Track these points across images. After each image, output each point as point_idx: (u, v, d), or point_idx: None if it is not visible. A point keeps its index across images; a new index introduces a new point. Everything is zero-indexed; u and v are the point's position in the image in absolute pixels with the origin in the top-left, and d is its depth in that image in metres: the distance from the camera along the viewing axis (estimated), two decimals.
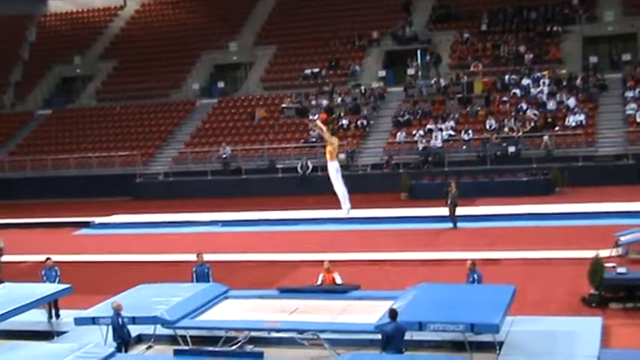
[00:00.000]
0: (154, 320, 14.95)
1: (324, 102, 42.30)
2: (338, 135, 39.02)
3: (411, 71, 43.17)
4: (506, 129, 37.21)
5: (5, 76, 54.27)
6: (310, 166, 37.77)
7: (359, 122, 40.54)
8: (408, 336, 13.02)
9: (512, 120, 37.52)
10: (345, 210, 17.73)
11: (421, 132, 38.24)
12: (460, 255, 21.40)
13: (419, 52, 43.66)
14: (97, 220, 33.44)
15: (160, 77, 49.38)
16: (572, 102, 37.85)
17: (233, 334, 15.00)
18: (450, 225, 26.84)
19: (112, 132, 45.95)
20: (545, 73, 40.02)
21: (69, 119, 48.75)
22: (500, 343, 13.87)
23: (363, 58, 46.21)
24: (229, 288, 17.09)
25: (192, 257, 18.59)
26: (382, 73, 44.64)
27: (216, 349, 14.42)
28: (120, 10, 58.13)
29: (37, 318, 17.32)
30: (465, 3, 47.21)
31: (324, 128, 18.84)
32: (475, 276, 15.94)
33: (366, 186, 35.95)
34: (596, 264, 17.00)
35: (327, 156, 17.23)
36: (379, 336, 12.89)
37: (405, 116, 39.95)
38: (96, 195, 40.38)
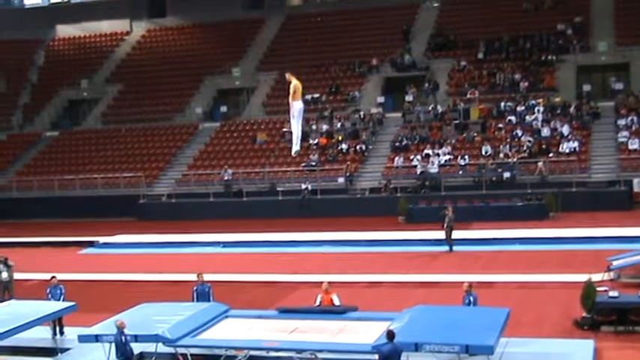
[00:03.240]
0: (155, 338, 14.92)
1: (324, 127, 42.45)
2: (337, 159, 39.53)
3: (409, 97, 43.34)
4: (501, 155, 37.32)
5: (14, 99, 54.49)
6: (310, 188, 37.87)
7: (358, 147, 40.65)
8: (404, 357, 13.00)
9: (508, 146, 37.65)
10: (294, 150, 17.63)
11: (419, 157, 38.34)
12: (456, 278, 21.40)
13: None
14: (102, 239, 33.46)
15: (164, 101, 49.64)
16: (566, 129, 37.98)
17: (233, 352, 14.96)
18: (447, 248, 26.84)
19: (117, 154, 46.07)
20: (540, 100, 40.18)
21: (75, 141, 48.90)
22: None
23: (363, 85, 46.40)
24: (229, 307, 17.08)
25: (194, 277, 18.59)
26: (381, 99, 44.80)
27: None
28: (126, 36, 58.45)
29: (41, 335, 17.31)
30: (463, 32, 47.46)
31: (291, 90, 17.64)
32: (471, 298, 15.94)
33: (365, 209, 36.12)
34: (589, 288, 17.02)
35: (290, 98, 16.99)
36: (376, 356, 12.88)
37: (403, 141, 40.07)
38: (100, 215, 40.36)
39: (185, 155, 44.94)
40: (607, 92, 41.89)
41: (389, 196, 36.57)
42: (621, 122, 37.94)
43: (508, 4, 48.57)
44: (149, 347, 15.63)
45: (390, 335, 12.70)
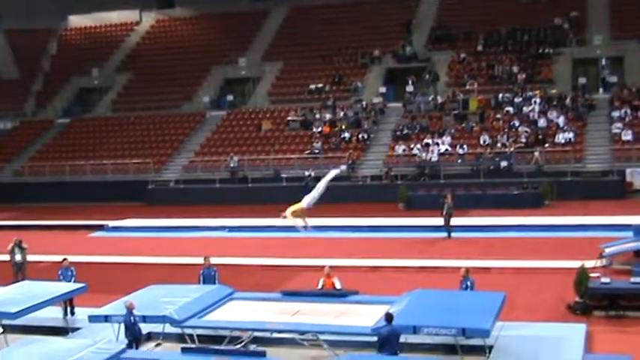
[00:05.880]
0: (163, 319, 15.00)
1: (328, 116, 42.44)
2: (340, 147, 39.51)
3: (410, 88, 43.28)
4: (499, 144, 37.27)
5: (28, 86, 54.50)
6: (313, 175, 37.83)
7: (360, 135, 40.62)
8: (402, 339, 13.05)
9: (505, 136, 37.60)
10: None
11: (419, 146, 38.32)
12: (454, 263, 21.43)
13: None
14: (111, 223, 33.50)
15: (172, 89, 49.55)
16: (561, 120, 37.92)
17: (237, 333, 15.03)
18: (445, 234, 26.83)
19: (127, 140, 46.07)
20: (537, 92, 40.07)
21: (86, 128, 48.89)
22: (490, 347, 13.91)
23: (365, 75, 46.29)
24: (235, 290, 17.13)
25: (200, 260, 18.64)
26: (383, 90, 44.71)
27: (221, 347, 14.42)
28: (136, 26, 58.32)
29: (53, 315, 17.40)
30: (462, 24, 47.28)
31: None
32: (468, 283, 15.98)
33: (366, 196, 36.12)
34: (582, 274, 17.05)
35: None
36: (375, 338, 12.93)
37: (403, 131, 40.03)
38: (110, 200, 40.39)
39: (192, 142, 44.91)
40: (602, 85, 41.78)
41: (389, 183, 36.55)
42: (615, 114, 37.85)
43: None
44: (157, 327, 15.70)
45: (389, 318, 12.76)
